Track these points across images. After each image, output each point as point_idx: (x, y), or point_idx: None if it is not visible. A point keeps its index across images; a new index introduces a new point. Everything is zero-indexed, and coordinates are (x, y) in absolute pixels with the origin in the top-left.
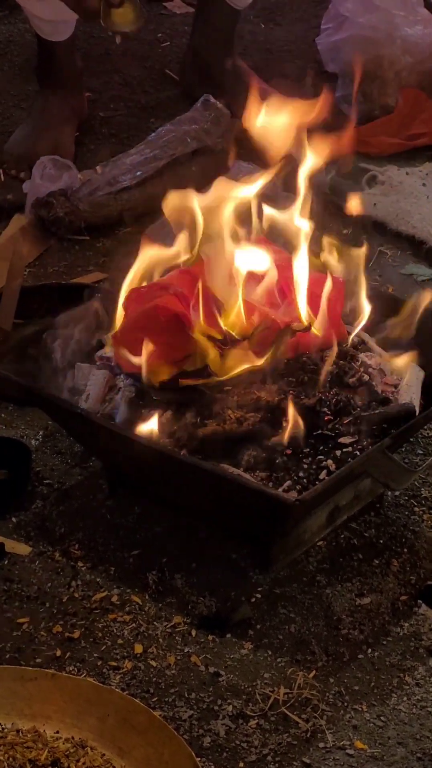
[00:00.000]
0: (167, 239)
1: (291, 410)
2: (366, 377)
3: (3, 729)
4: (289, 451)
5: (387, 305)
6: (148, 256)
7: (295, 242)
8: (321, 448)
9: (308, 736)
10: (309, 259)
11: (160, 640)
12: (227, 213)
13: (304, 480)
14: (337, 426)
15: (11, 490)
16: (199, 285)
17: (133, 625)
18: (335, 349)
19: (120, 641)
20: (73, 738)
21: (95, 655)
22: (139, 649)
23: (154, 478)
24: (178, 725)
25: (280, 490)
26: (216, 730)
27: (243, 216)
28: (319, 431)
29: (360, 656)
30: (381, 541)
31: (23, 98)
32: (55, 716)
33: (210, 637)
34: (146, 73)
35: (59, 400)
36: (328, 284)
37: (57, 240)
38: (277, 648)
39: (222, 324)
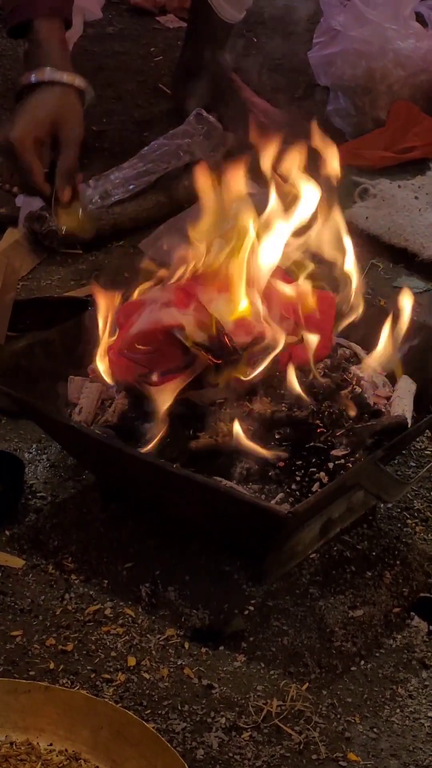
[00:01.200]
0: (160, 252)
1: None
2: (358, 389)
3: None
4: (281, 464)
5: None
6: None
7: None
8: (313, 460)
9: (301, 748)
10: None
11: (153, 652)
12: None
13: (297, 492)
14: (329, 438)
15: (4, 503)
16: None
17: (127, 637)
18: (327, 362)
19: (113, 654)
20: (66, 750)
21: (88, 667)
22: (132, 661)
23: (147, 491)
24: (172, 737)
25: (273, 502)
26: (209, 743)
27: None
28: (312, 443)
29: (353, 668)
30: (374, 554)
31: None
32: (49, 729)
33: (203, 650)
34: (139, 87)
35: (52, 413)
36: (319, 298)
37: (50, 253)
38: (270, 660)
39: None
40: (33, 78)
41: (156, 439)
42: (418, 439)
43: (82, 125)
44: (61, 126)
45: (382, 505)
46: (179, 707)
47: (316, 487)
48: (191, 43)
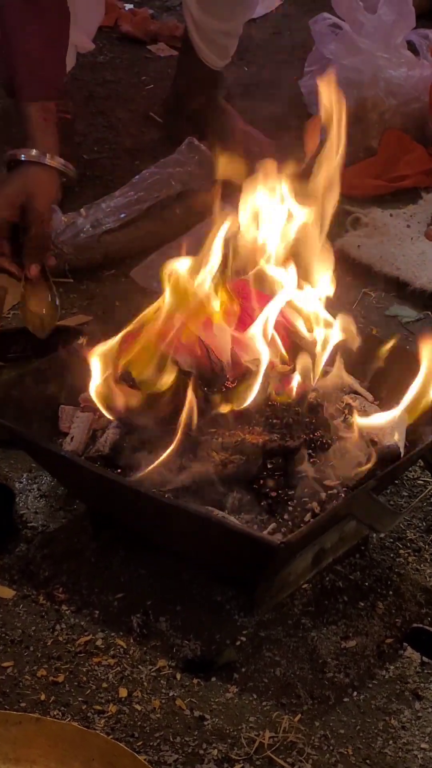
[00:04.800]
0: (152, 281)
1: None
2: (351, 419)
3: None
4: (274, 493)
5: (371, 347)
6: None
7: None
8: (305, 489)
9: None
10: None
11: (145, 683)
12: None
13: (289, 522)
14: (321, 468)
15: None
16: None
17: (118, 668)
18: (320, 391)
19: (104, 685)
20: None
21: (80, 699)
22: (123, 692)
23: (139, 520)
24: None
25: (265, 532)
26: None
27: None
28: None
29: (345, 699)
30: (366, 584)
31: (7, 143)
32: (40, 760)
33: (195, 681)
34: (130, 115)
35: (43, 443)
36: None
37: None
38: (263, 691)
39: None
40: (23, 157)
41: (147, 469)
42: (410, 469)
43: (51, 204)
44: (30, 203)
45: (374, 535)
46: (171, 739)
47: (308, 516)
48: (183, 71)
